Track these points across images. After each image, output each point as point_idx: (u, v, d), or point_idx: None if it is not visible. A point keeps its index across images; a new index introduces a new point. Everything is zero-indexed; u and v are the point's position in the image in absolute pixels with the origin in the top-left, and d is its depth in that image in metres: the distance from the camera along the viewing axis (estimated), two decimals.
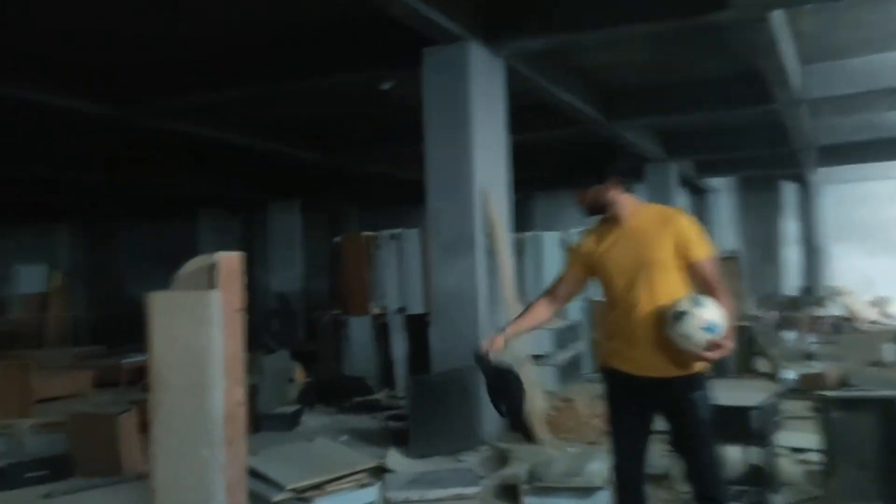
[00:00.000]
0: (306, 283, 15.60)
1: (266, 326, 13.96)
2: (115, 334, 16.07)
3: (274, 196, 15.05)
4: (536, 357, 7.30)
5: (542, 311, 3.25)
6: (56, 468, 5.36)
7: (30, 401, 7.05)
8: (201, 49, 6.99)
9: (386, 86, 7.28)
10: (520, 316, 3.33)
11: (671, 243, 2.98)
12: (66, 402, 9.40)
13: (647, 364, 2.99)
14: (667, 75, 8.65)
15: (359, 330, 9.40)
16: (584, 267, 3.19)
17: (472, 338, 5.96)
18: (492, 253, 6.18)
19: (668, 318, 2.87)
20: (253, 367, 5.92)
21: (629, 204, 3.10)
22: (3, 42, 6.51)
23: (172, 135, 9.16)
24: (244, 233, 17.31)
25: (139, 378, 10.66)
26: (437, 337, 6.23)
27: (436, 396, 5.84)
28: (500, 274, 6.22)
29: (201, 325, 3.39)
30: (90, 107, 7.64)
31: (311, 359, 10.08)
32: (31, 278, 17.52)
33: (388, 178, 13.22)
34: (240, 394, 3.53)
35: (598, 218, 3.18)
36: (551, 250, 9.77)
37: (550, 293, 3.28)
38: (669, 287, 2.97)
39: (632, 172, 3.15)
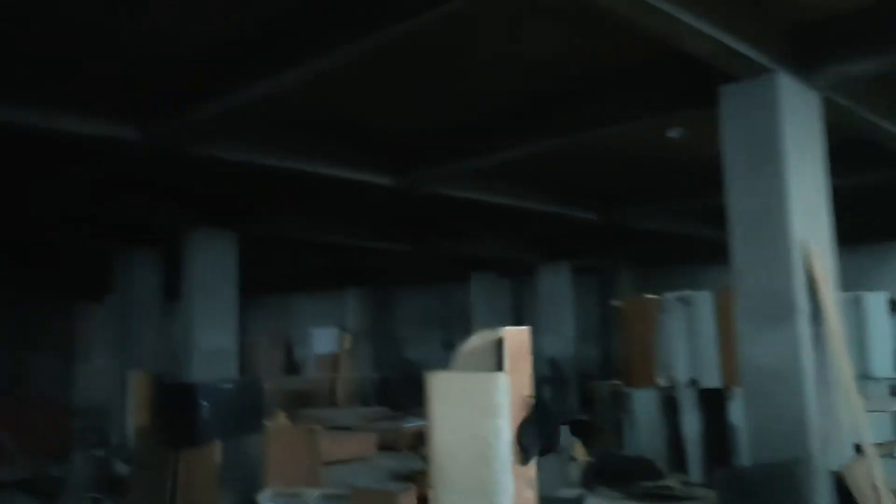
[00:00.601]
0: (577, 349, 14.96)
1: (538, 394, 13.49)
2: (396, 395, 16.74)
3: (544, 258, 14.75)
4: (877, 446, 5.89)
5: None
6: None
7: (318, 467, 7.20)
8: (475, 112, 6.85)
9: (673, 133, 6.55)
10: None
11: None
12: (351, 465, 9.67)
13: None
14: None
15: (642, 404, 8.53)
16: None
17: (798, 423, 4.90)
18: (816, 319, 5.08)
19: None
20: None
21: None
22: (295, 125, 6.92)
23: (448, 200, 9.20)
24: (514, 296, 17.23)
25: (418, 443, 10.73)
26: (749, 420, 5.22)
27: (754, 494, 4.82)
28: (828, 345, 5.08)
29: (487, 413, 2.90)
30: (374, 177, 7.88)
31: (586, 430, 9.38)
32: (324, 340, 19.06)
33: (666, 235, 12.24)
34: (531, 497, 2.97)
35: None
36: (876, 314, 8.15)
37: None
38: None
39: None
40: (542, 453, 2.71)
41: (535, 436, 2.65)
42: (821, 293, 5.09)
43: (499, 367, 3.01)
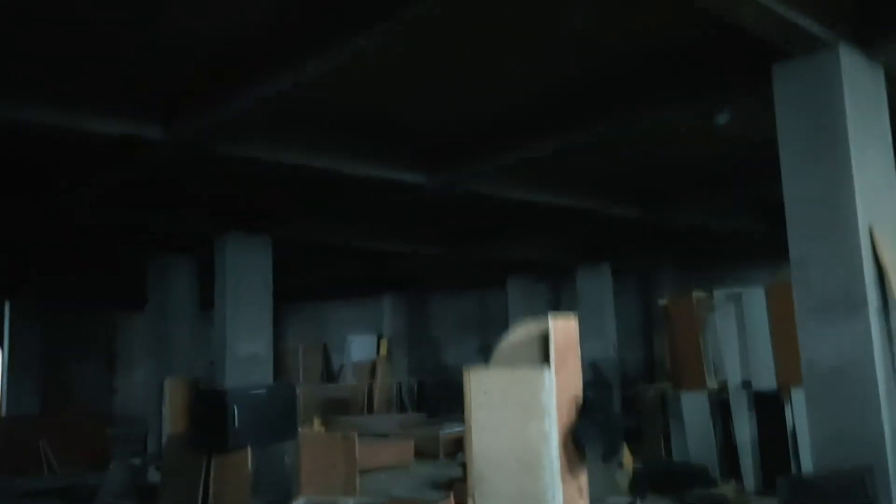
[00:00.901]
0: (619, 352, 14.54)
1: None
2: (434, 400, 16.50)
3: (583, 259, 14.39)
4: None
5: None
6: None
7: (353, 475, 6.96)
8: (509, 105, 6.56)
9: (721, 119, 6.19)
10: None
11: None
12: (388, 473, 9.42)
13: None
14: None
15: (692, 407, 8.13)
16: None
17: (869, 426, 4.51)
18: (886, 312, 4.69)
19: None
20: None
21: None
22: (323, 122, 6.72)
23: (483, 200, 8.92)
24: (552, 299, 16.88)
25: (456, 449, 10.45)
26: (813, 423, 4.82)
27: (821, 503, 4.44)
28: None
29: (532, 414, 2.61)
30: (406, 175, 7.64)
31: (632, 436, 9.01)
32: (361, 347, 18.91)
33: (710, 232, 11.79)
34: None
35: None
36: None
37: None
38: None
39: None
40: (605, 458, 2.40)
41: (597, 438, 2.34)
42: (891, 284, 4.69)
43: (545, 361, 2.72)
